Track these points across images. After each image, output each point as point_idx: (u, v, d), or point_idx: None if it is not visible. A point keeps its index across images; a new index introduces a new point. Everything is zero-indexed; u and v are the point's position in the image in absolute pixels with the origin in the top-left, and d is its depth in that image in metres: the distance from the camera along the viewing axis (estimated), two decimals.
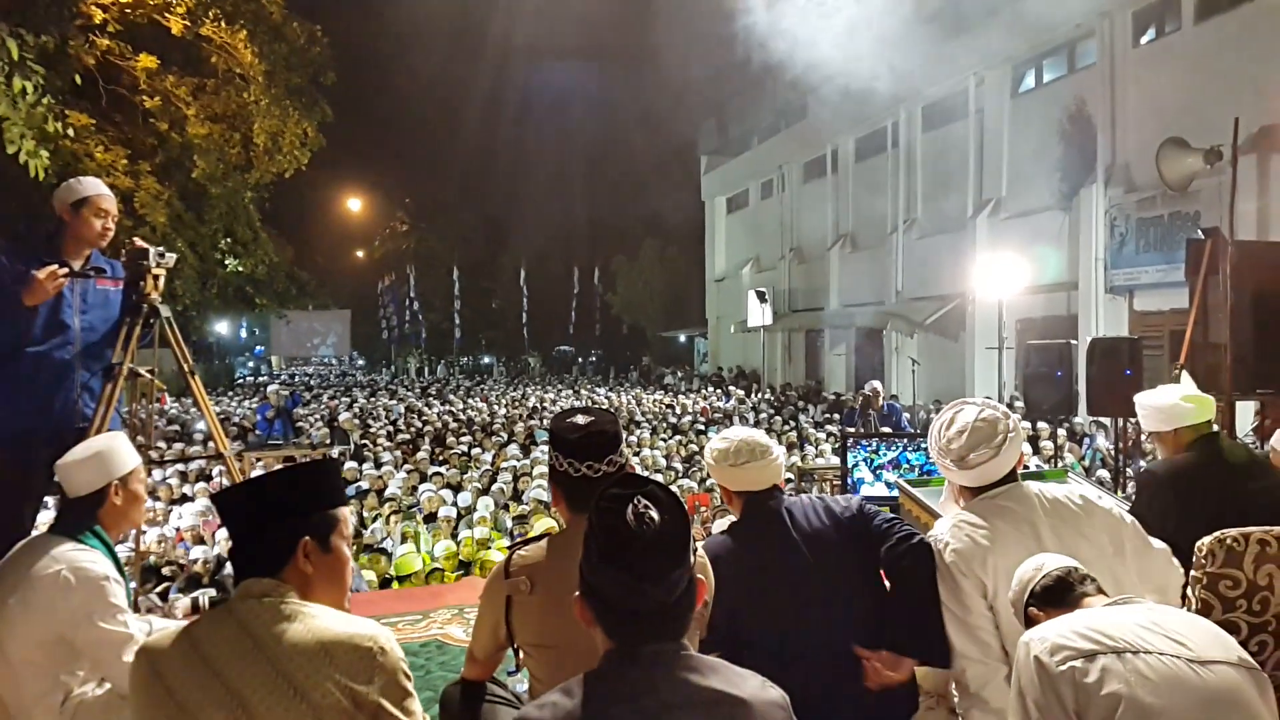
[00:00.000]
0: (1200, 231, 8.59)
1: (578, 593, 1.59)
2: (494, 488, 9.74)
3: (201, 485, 9.72)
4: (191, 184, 17.14)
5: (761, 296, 26.73)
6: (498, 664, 2.51)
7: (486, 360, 49.29)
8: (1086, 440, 12.44)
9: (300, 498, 1.94)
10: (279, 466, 2.03)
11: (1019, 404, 14.60)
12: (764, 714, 1.53)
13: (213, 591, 6.32)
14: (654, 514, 1.53)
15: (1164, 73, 15.29)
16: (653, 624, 1.54)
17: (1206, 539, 2.55)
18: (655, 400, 22.87)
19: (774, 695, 1.57)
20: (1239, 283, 7.95)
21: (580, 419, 2.28)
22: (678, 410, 19.63)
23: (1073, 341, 10.30)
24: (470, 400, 23.14)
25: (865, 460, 6.27)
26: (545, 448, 12.22)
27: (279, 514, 1.89)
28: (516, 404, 21.92)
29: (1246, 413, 8.97)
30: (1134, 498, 3.25)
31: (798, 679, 1.93)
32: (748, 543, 2.66)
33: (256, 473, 3.67)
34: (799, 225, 30.02)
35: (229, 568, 6.97)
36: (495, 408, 20.50)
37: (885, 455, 6.37)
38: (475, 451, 12.81)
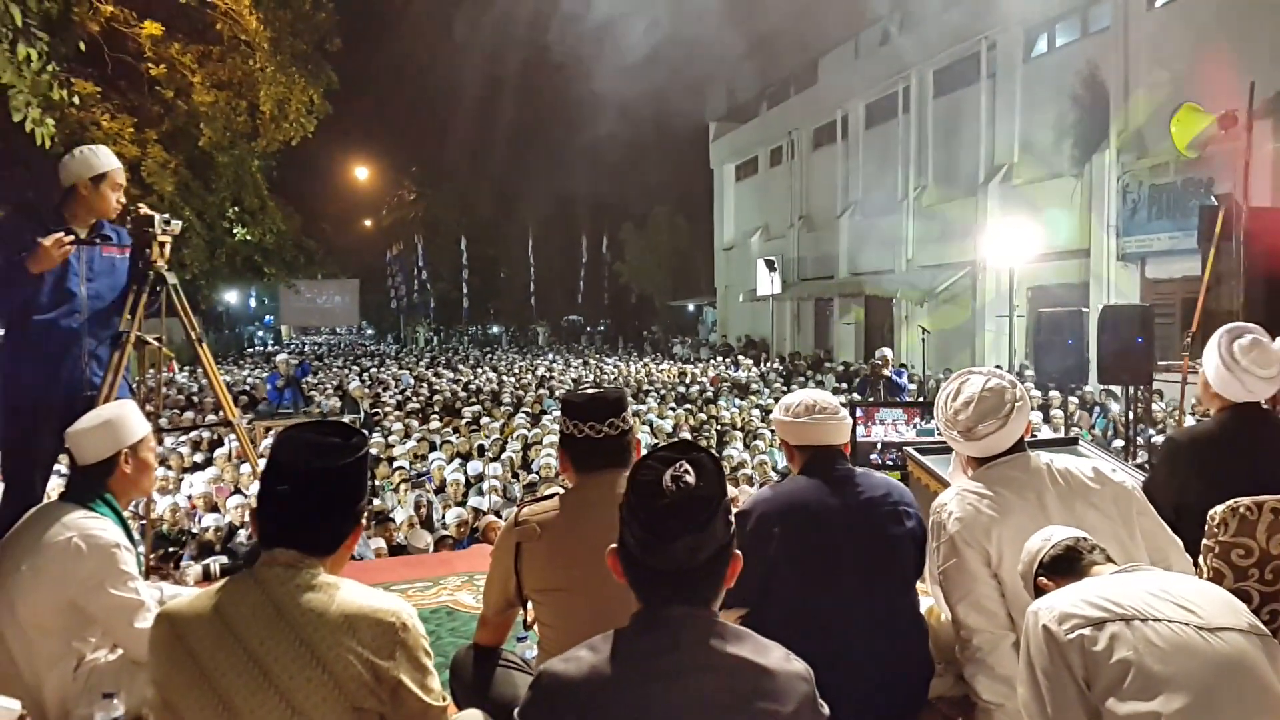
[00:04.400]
0: (1213, 198, 8.50)
1: (612, 545, 1.61)
2: (503, 456, 9.77)
3: (220, 452, 9.76)
4: (198, 152, 17.05)
5: (771, 265, 26.61)
6: (509, 626, 2.54)
7: (495, 330, 49.31)
8: (1097, 409, 12.39)
9: (366, 482, 1.96)
10: (337, 444, 1.93)
11: (1029, 372, 14.57)
12: (788, 685, 1.53)
13: (224, 559, 6.36)
14: (689, 478, 1.55)
15: (1178, 36, 15.07)
16: (676, 585, 1.55)
17: (1219, 507, 2.52)
18: (664, 370, 22.87)
19: (798, 668, 1.57)
20: (1252, 250, 7.86)
21: (590, 389, 2.50)
22: (687, 380, 19.64)
23: (1084, 309, 10.26)
24: (479, 370, 23.17)
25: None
26: (555, 416, 12.26)
27: (354, 498, 1.90)
28: (525, 373, 21.95)
29: None
30: (1154, 465, 3.16)
31: (819, 643, 1.95)
32: (804, 496, 2.67)
33: (268, 442, 3.66)
34: (809, 192, 29.82)
35: (240, 535, 7.03)
36: (504, 377, 20.53)
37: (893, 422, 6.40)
38: (484, 420, 12.85)
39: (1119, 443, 9.59)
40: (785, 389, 17.41)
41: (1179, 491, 2.73)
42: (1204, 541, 2.55)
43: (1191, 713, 1.65)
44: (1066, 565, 2.01)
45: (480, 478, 8.61)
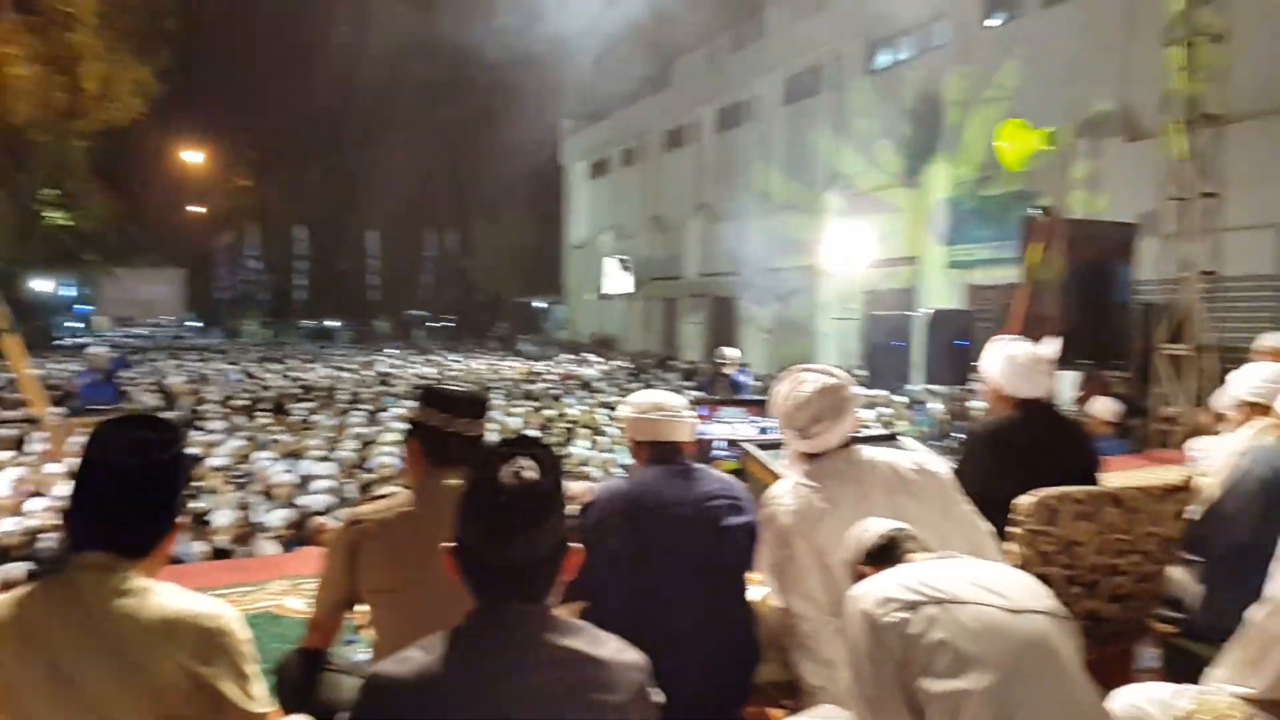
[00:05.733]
0: (1035, 209, 9.09)
1: (447, 544, 1.59)
2: (339, 455, 9.47)
3: (7, 454, 8.99)
4: (8, 129, 15.79)
5: (623, 264, 26.78)
6: (338, 628, 2.49)
7: (332, 324, 47.63)
8: (920, 407, 13.02)
9: (183, 480, 1.87)
10: (152, 436, 1.84)
11: (860, 372, 15.20)
12: (620, 675, 1.55)
13: (28, 565, 5.87)
14: (528, 474, 1.54)
15: (1009, 55, 15.95)
16: (513, 581, 1.55)
17: (1027, 498, 2.68)
18: (514, 367, 22.75)
19: (632, 658, 1.59)
20: (1069, 259, 8.48)
21: (451, 384, 2.57)
22: (536, 377, 19.58)
23: (912, 313, 10.78)
24: (314, 365, 22.40)
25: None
26: (394, 413, 11.97)
27: (171, 497, 1.81)
28: (363, 369, 21.37)
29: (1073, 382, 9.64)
30: (959, 456, 3.38)
31: (655, 632, 1.98)
32: (646, 488, 2.74)
33: (77, 440, 3.40)
34: (660, 193, 30.26)
35: (45, 540, 6.49)
36: (341, 373, 19.92)
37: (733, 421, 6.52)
38: (316, 418, 12.40)
39: (938, 440, 10.12)
40: (632, 386, 17.58)
41: (983, 481, 2.90)
42: (1012, 529, 2.71)
43: (998, 690, 1.73)
44: (886, 554, 2.08)
45: (311, 478, 8.30)
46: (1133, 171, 11.79)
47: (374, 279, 48.63)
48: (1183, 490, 3.07)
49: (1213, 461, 3.33)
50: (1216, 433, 3.87)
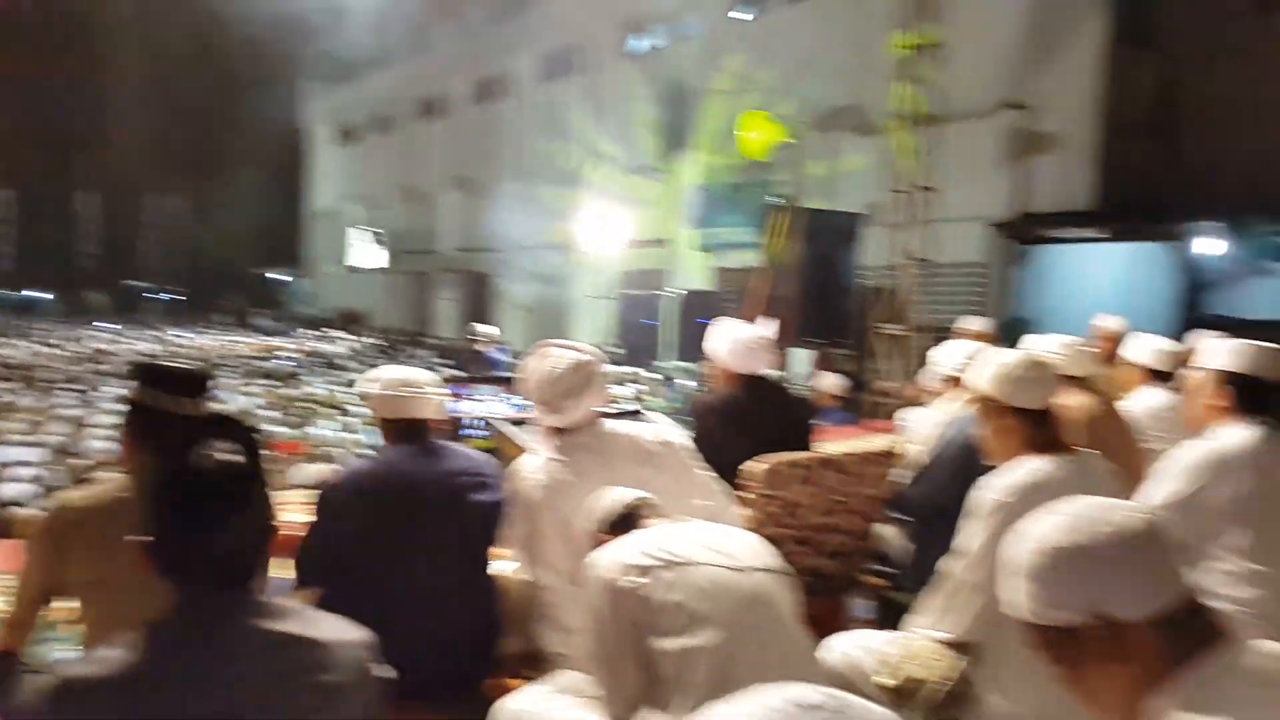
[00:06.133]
0: (775, 198, 9.66)
1: (140, 538, 1.48)
2: (45, 440, 8.61)
3: None
4: None
5: (375, 237, 25.84)
6: (35, 625, 2.33)
7: (39, 296, 42.68)
8: (670, 383, 13.51)
9: None
10: None
11: (616, 350, 15.55)
12: (341, 655, 1.50)
13: None
14: (227, 457, 1.47)
15: (756, 48, 16.63)
16: (217, 570, 1.47)
17: (756, 465, 2.86)
18: (246, 343, 21.46)
19: (353, 636, 1.55)
20: (804, 245, 9.10)
21: (170, 360, 2.61)
22: (274, 355, 18.58)
23: (662, 293, 11.14)
24: (15, 341, 20.19)
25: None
26: (109, 394, 11.09)
27: None
28: (74, 346, 19.49)
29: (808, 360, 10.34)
30: (694, 426, 3.56)
31: (397, 612, 2.04)
32: (391, 469, 2.74)
33: None
34: (413, 164, 29.34)
35: None
36: (46, 349, 18.07)
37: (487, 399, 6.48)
38: (18, 400, 11.23)
39: (688, 415, 10.54)
40: (383, 364, 17.05)
41: (715, 449, 3.07)
42: (742, 494, 2.88)
43: (725, 645, 1.84)
44: (625, 522, 2.16)
45: (12, 464, 7.52)
46: (861, 165, 12.73)
47: (89, 246, 44.02)
48: (890, 455, 3.39)
49: (918, 430, 3.70)
50: (923, 405, 4.28)
